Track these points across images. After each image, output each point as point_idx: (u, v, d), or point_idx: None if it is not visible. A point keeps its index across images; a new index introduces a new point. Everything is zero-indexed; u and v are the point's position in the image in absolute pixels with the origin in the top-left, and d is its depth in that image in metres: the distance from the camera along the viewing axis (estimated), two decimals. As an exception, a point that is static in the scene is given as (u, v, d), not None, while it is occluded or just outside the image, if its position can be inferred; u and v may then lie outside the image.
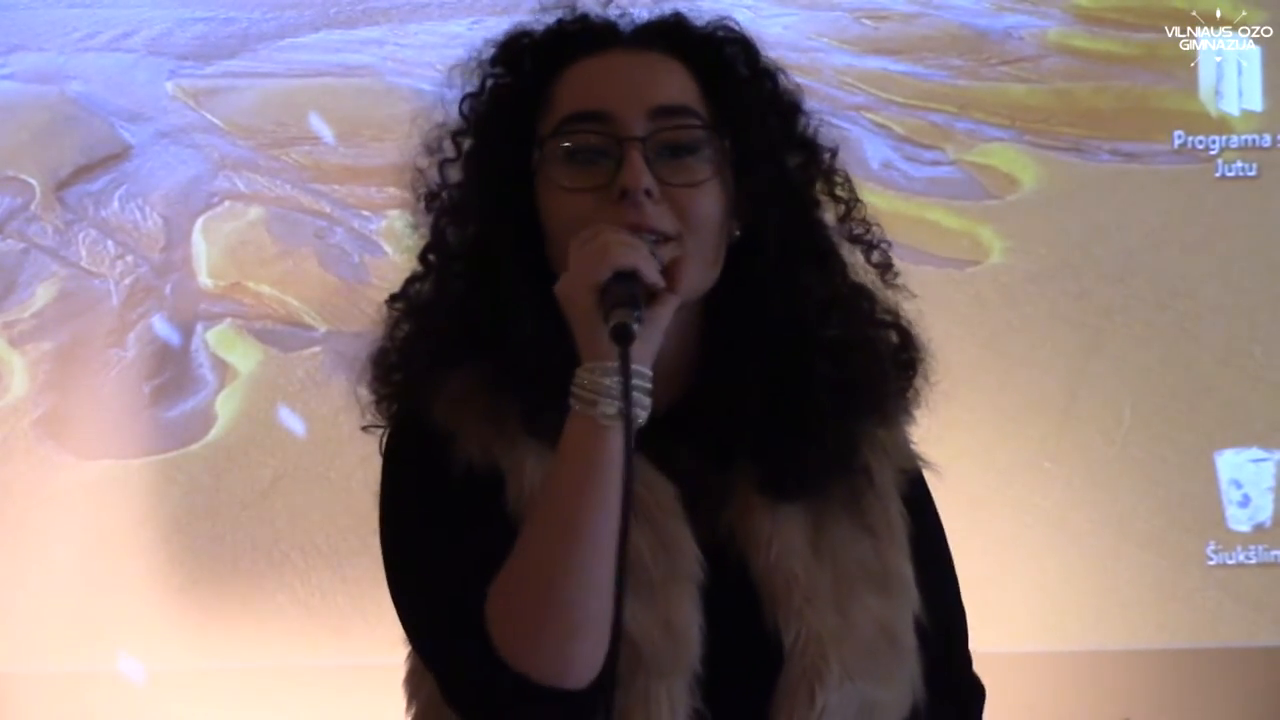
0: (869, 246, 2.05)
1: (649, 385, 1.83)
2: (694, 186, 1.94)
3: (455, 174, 2.02)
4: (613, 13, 2.03)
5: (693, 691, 1.89)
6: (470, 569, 1.85)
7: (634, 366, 1.80)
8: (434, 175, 2.03)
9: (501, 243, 1.96)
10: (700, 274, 1.93)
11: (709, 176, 1.95)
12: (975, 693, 2.11)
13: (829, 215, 2.04)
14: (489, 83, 2.02)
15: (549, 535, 1.82)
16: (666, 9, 2.04)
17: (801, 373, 1.97)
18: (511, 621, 1.81)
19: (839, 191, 2.04)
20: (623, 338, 1.79)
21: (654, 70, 1.98)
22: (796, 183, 2.01)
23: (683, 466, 1.94)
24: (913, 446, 2.08)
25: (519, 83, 2.00)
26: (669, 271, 1.87)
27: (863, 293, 2.03)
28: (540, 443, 1.91)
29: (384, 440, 2.01)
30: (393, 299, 2.04)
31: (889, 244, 2.06)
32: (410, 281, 2.04)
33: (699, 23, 2.03)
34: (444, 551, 1.89)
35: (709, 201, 1.94)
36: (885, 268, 2.05)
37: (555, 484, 1.84)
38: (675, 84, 1.97)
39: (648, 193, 1.91)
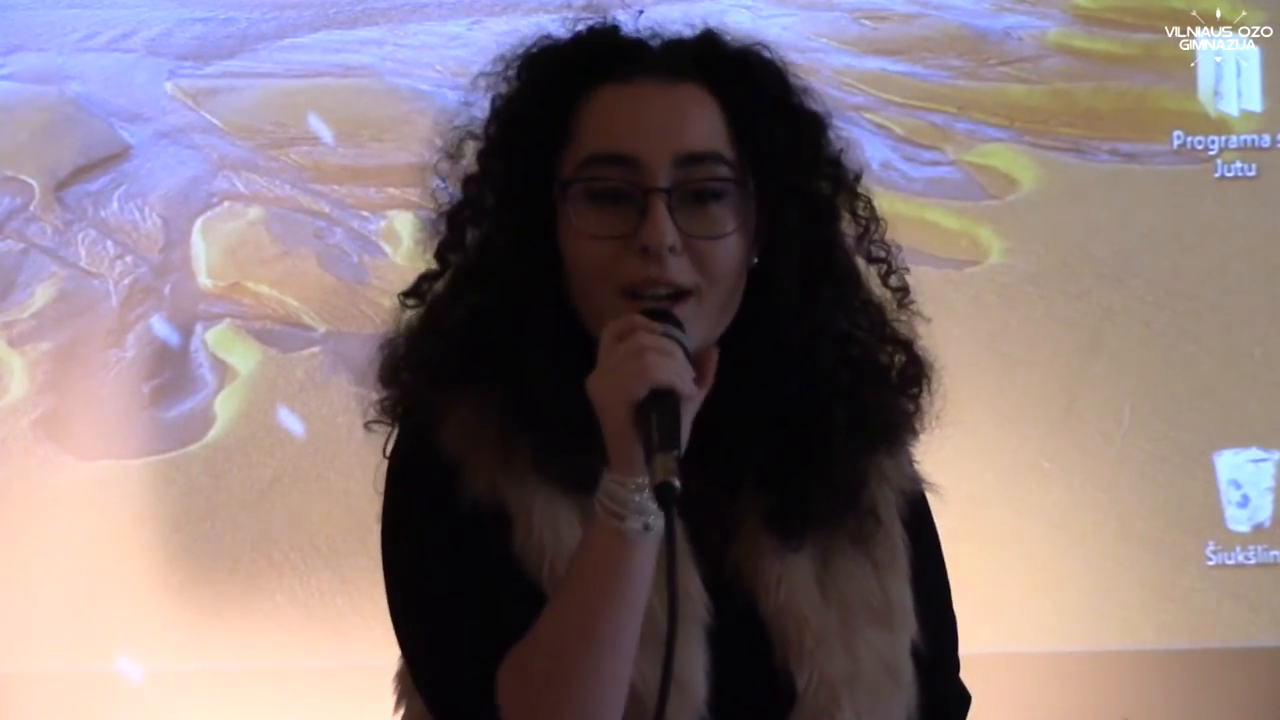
0: (887, 270, 2.02)
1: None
2: (717, 239, 1.91)
3: (476, 189, 1.98)
4: (643, 29, 1.99)
5: None
6: (480, 631, 1.85)
7: (669, 480, 1.77)
8: (454, 183, 2.00)
9: (523, 273, 1.92)
10: (717, 325, 1.91)
11: (733, 229, 1.91)
12: (960, 702, 2.10)
13: (848, 232, 2.01)
14: (513, 98, 1.97)
15: (569, 634, 1.82)
16: (697, 24, 1.99)
17: (815, 411, 1.95)
18: (524, 708, 1.82)
19: (861, 212, 2.01)
20: (667, 499, 1.76)
21: (682, 111, 1.93)
22: (819, 213, 1.98)
23: (691, 494, 1.89)
24: (915, 467, 2.06)
25: (543, 101, 1.95)
26: (701, 367, 1.84)
27: (875, 310, 2.00)
28: (548, 483, 1.89)
29: (389, 446, 1.98)
30: (405, 295, 2.01)
31: (908, 269, 2.03)
32: (424, 279, 2.00)
33: (731, 46, 1.98)
34: (453, 604, 1.88)
35: (731, 253, 1.91)
36: (902, 292, 2.02)
37: (578, 586, 1.82)
38: (703, 126, 1.93)
39: (671, 249, 1.88)
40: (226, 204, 4.43)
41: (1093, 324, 4.42)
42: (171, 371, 4.37)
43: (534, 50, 1.99)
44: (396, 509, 1.96)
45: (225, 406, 4.36)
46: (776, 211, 1.94)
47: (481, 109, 2.00)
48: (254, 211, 4.43)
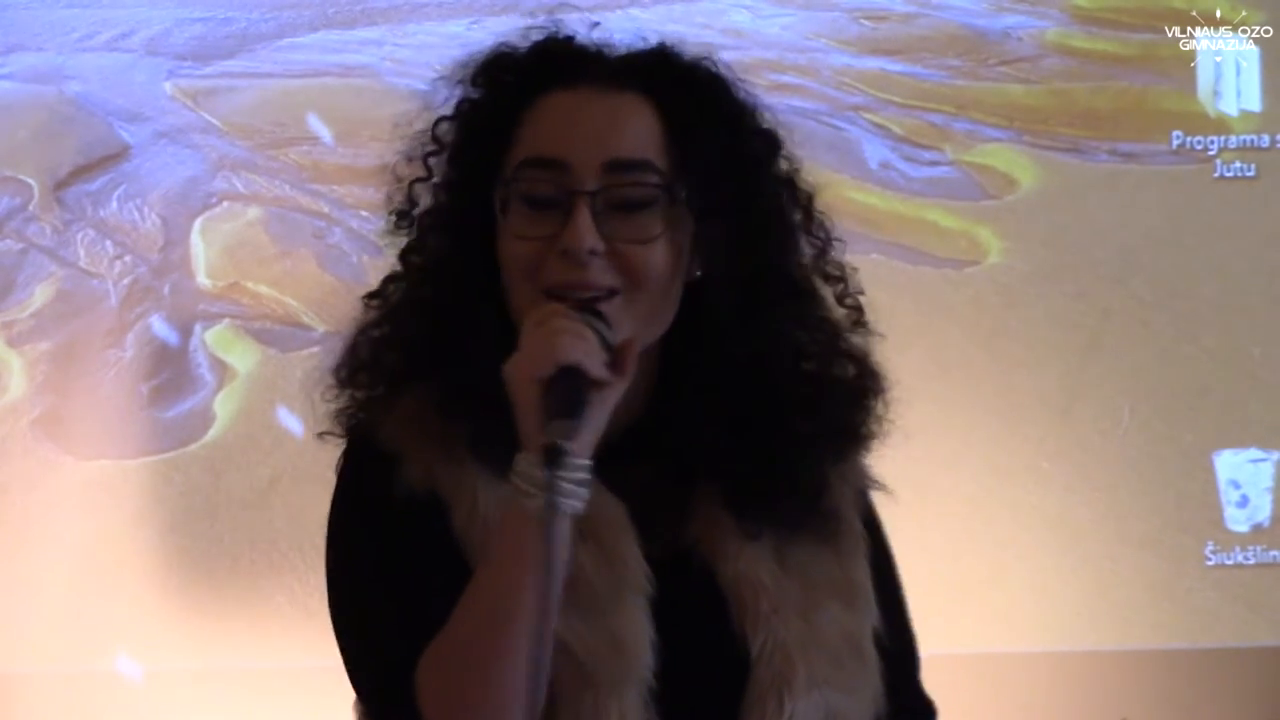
0: (843, 290, 2.04)
1: (587, 477, 1.80)
2: (642, 244, 1.93)
3: (431, 190, 2.02)
4: (598, 39, 2.02)
5: (647, 704, 1.89)
6: (406, 623, 1.86)
7: (574, 461, 1.78)
8: (415, 185, 2.05)
9: (464, 270, 1.96)
10: (648, 328, 1.93)
11: (658, 234, 1.93)
12: (928, 712, 2.11)
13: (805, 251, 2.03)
14: (466, 104, 2.02)
15: (479, 619, 1.83)
16: (652, 40, 2.02)
17: (769, 420, 1.97)
18: (440, 699, 1.83)
19: (816, 234, 2.03)
20: (552, 460, 1.77)
21: (617, 117, 1.96)
22: (763, 229, 1.99)
23: (639, 485, 1.93)
24: (866, 469, 2.08)
25: (493, 106, 1.99)
26: (619, 356, 1.86)
27: (829, 325, 2.03)
28: (487, 469, 1.91)
29: (340, 458, 2.01)
30: (369, 296, 2.06)
31: (861, 292, 2.05)
32: (388, 280, 2.05)
33: (680, 59, 2.01)
34: (382, 597, 1.90)
35: (657, 258, 1.93)
36: (857, 312, 2.04)
37: (491, 569, 1.84)
38: (637, 134, 1.95)
39: (593, 251, 1.90)
40: (226, 204, 4.43)
41: (1092, 324, 4.42)
42: (170, 371, 4.37)
43: (490, 57, 2.02)
44: (336, 506, 1.98)
45: (224, 406, 4.36)
46: (714, 224, 1.95)
47: (441, 112, 2.05)
48: (253, 211, 4.43)
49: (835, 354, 2.02)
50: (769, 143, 2.02)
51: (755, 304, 1.97)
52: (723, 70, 2.01)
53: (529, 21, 2.03)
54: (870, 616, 2.00)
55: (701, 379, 1.97)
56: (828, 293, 2.03)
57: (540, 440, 1.79)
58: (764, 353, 1.97)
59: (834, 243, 2.04)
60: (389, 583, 1.90)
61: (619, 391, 1.85)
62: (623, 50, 2.01)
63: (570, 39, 2.01)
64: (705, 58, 2.02)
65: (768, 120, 2.02)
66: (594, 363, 1.83)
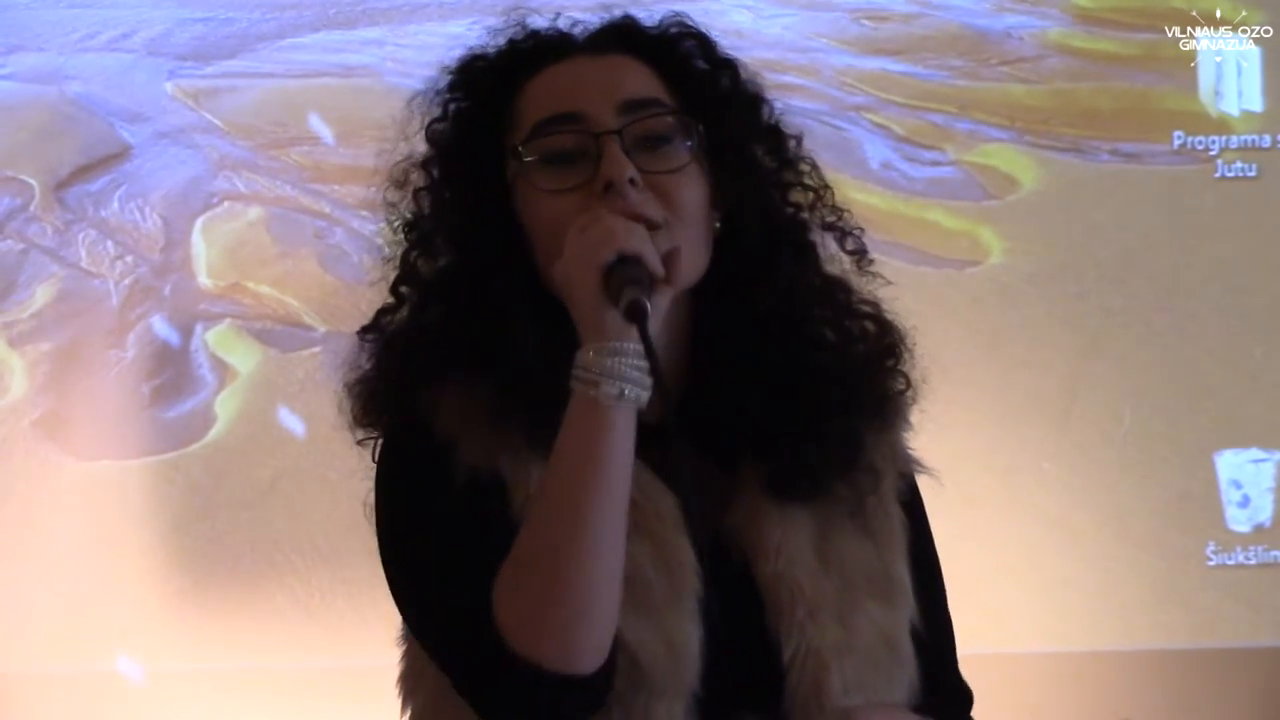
0: (842, 234, 2.04)
1: (644, 365, 1.81)
2: (676, 172, 1.93)
3: (427, 203, 2.01)
4: (564, 23, 2.03)
5: (690, 710, 1.89)
6: (476, 563, 1.84)
7: (637, 346, 1.80)
8: (405, 207, 2.04)
9: (488, 262, 1.95)
10: (693, 262, 1.93)
11: (688, 161, 1.94)
12: (965, 698, 2.11)
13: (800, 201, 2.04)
14: (451, 108, 2.02)
15: (554, 518, 1.81)
16: (617, 14, 2.04)
17: (799, 367, 1.97)
18: (518, 606, 1.81)
19: (807, 180, 2.04)
20: (638, 314, 1.78)
21: (617, 68, 1.98)
22: (767, 170, 2.01)
23: (683, 467, 1.91)
24: (909, 451, 2.07)
25: (481, 103, 2.00)
26: (666, 262, 1.86)
27: (839, 284, 2.03)
28: (544, 456, 1.89)
29: (377, 449, 2.00)
30: (364, 330, 2.04)
31: (861, 230, 2.05)
32: (382, 313, 2.03)
33: (653, 21, 2.03)
34: (449, 549, 1.88)
35: (692, 186, 1.94)
36: (860, 254, 2.05)
37: (559, 467, 1.83)
38: (640, 79, 1.97)
39: (632, 181, 1.90)
40: (227, 204, 4.43)
41: (1093, 324, 4.42)
42: (172, 371, 4.37)
43: (464, 63, 2.04)
44: (391, 489, 1.98)
45: (225, 406, 4.36)
46: (727, 167, 1.97)
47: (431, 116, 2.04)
48: (254, 211, 4.43)
49: (849, 313, 2.02)
50: (755, 90, 2.03)
51: (774, 246, 1.98)
52: (697, 26, 2.04)
53: (492, 23, 2.05)
54: (907, 610, 1.99)
55: (734, 344, 1.97)
56: (829, 245, 2.04)
57: (610, 311, 1.79)
58: (787, 298, 1.97)
59: (827, 189, 2.04)
60: (456, 543, 1.88)
61: (667, 299, 1.85)
62: (595, 24, 2.04)
63: (538, 31, 2.03)
64: (679, 14, 2.04)
65: (747, 70, 2.04)
66: (652, 255, 1.84)
